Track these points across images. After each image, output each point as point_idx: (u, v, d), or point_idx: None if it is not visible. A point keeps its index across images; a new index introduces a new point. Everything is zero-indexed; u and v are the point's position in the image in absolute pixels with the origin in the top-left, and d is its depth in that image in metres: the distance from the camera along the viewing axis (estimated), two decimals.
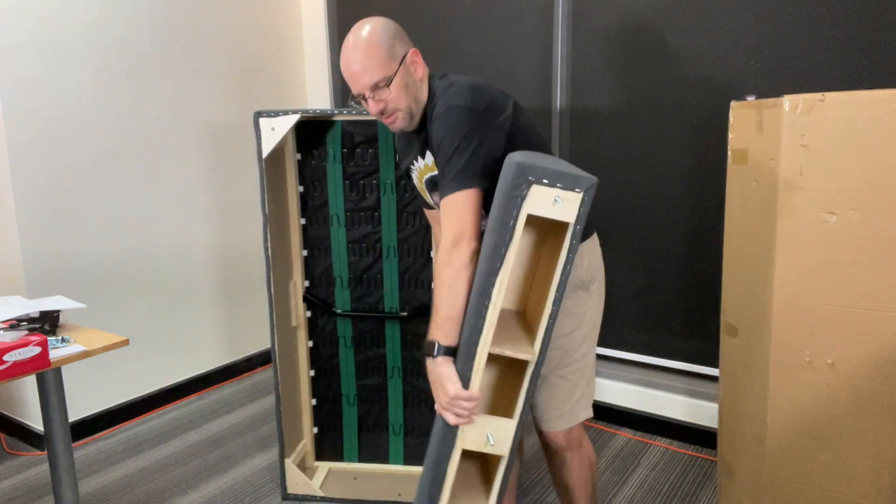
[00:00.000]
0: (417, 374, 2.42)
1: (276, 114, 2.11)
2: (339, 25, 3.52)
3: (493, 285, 1.39)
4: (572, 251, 1.39)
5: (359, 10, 3.40)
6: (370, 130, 2.28)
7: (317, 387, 2.48)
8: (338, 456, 2.52)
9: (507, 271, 1.38)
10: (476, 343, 1.41)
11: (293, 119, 2.11)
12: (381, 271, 2.37)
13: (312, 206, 2.37)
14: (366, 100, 1.55)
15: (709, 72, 2.48)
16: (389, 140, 2.28)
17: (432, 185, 1.67)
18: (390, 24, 1.54)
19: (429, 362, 1.48)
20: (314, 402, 2.49)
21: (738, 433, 1.93)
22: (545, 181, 1.33)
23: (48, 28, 2.62)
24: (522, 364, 1.47)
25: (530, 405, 1.69)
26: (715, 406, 2.62)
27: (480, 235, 1.48)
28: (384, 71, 1.50)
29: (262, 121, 2.12)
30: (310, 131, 2.31)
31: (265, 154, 2.13)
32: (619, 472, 2.51)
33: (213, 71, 3.23)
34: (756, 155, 1.75)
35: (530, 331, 1.52)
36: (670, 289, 2.70)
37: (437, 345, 1.45)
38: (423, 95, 1.58)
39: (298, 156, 2.34)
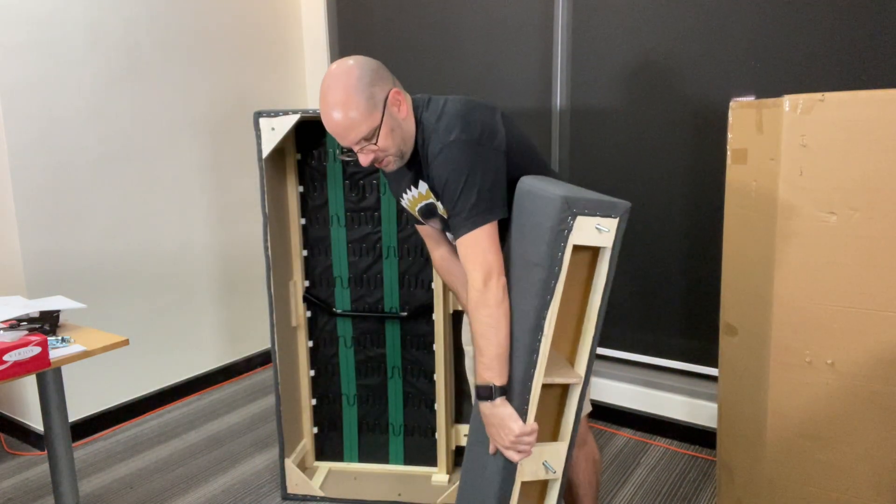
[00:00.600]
0: (417, 374, 2.42)
1: (276, 114, 2.11)
2: (339, 25, 3.52)
3: (544, 318, 1.38)
4: (611, 273, 1.40)
5: (359, 10, 3.40)
6: None
7: (317, 387, 2.48)
8: (338, 456, 2.52)
9: (556, 303, 1.38)
10: (531, 378, 1.41)
11: (293, 119, 2.11)
12: (381, 271, 2.37)
13: (312, 206, 2.36)
14: (354, 153, 1.53)
15: (709, 72, 2.48)
16: None
17: (427, 213, 1.65)
18: (365, 67, 1.46)
19: (485, 406, 1.43)
20: (314, 402, 2.49)
21: (737, 433, 1.93)
22: (587, 211, 1.34)
23: (48, 28, 2.62)
24: (567, 392, 1.49)
25: None
26: (715, 406, 2.62)
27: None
28: (368, 124, 1.45)
29: (262, 121, 2.12)
30: (310, 131, 2.31)
31: (265, 154, 2.13)
32: (619, 472, 2.51)
33: (212, 71, 3.23)
34: (756, 155, 1.75)
35: (560, 350, 1.51)
36: (670, 289, 2.70)
37: (493, 387, 1.41)
38: (411, 130, 1.53)
39: (298, 156, 2.34)
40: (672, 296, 2.70)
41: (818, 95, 1.54)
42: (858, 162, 1.52)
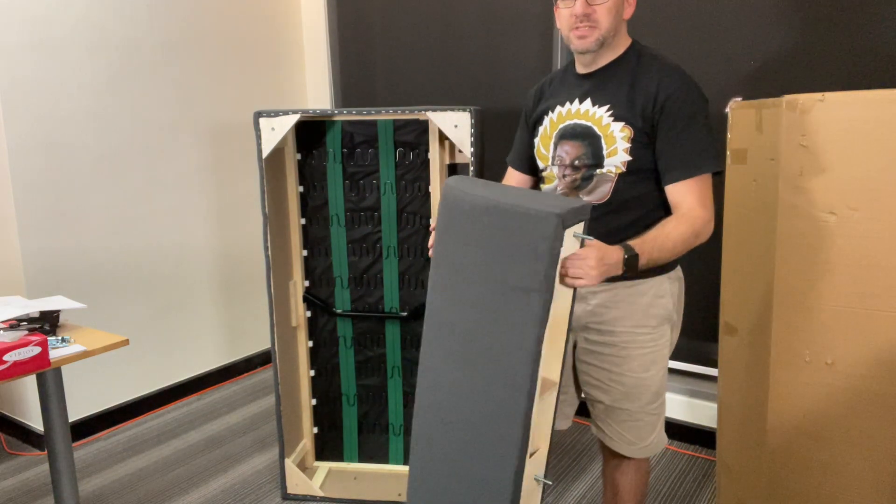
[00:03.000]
0: (417, 374, 2.42)
1: (276, 114, 2.11)
2: (339, 25, 3.52)
3: (542, 343, 1.29)
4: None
5: (359, 10, 3.40)
6: (370, 130, 2.28)
7: (317, 387, 2.48)
8: (338, 456, 2.52)
9: (548, 326, 1.29)
10: (532, 409, 1.31)
11: (293, 119, 2.11)
12: (381, 271, 2.37)
13: (312, 206, 2.36)
14: None
15: (709, 72, 2.48)
16: (389, 140, 2.28)
17: (570, 134, 1.57)
18: None
19: (616, 255, 1.35)
20: (314, 402, 2.49)
21: (737, 433, 1.93)
22: (571, 222, 1.26)
23: (48, 28, 2.62)
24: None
25: (609, 435, 1.68)
26: (715, 406, 2.61)
27: None
28: None
29: (262, 121, 2.12)
30: (310, 131, 2.31)
31: (265, 154, 2.13)
32: None
33: (213, 71, 3.23)
34: (755, 155, 1.75)
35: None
36: None
37: (637, 258, 1.38)
38: (622, 37, 1.55)
39: (298, 156, 2.34)
40: None
41: (818, 95, 1.54)
42: (858, 162, 1.52)
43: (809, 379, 1.64)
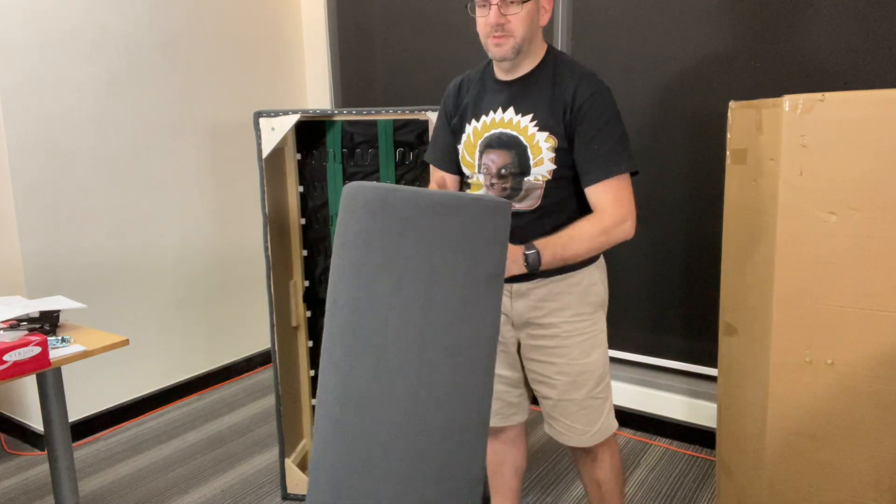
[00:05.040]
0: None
1: (276, 114, 2.12)
2: (339, 25, 3.52)
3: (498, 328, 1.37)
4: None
5: (359, 10, 3.40)
6: (370, 130, 2.28)
7: (317, 387, 2.48)
8: None
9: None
10: (489, 397, 1.35)
11: (293, 119, 2.11)
12: None
13: (312, 206, 2.36)
14: (488, 6, 1.52)
15: (709, 72, 2.48)
16: (389, 140, 2.28)
17: (495, 143, 1.60)
18: None
19: (517, 253, 1.46)
20: (314, 402, 2.48)
21: (737, 433, 1.93)
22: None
23: (48, 28, 2.62)
24: None
25: (560, 431, 1.72)
26: (715, 406, 2.62)
27: None
28: None
29: (262, 121, 2.12)
30: (310, 131, 2.31)
31: (265, 154, 2.13)
32: None
33: (212, 71, 3.23)
34: (755, 155, 1.75)
35: None
36: (670, 289, 2.70)
37: (538, 255, 1.47)
38: (538, 45, 1.58)
39: (298, 156, 2.34)
40: (672, 296, 2.70)
41: (818, 95, 1.54)
42: (858, 162, 1.52)
43: (810, 379, 1.64)
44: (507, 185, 1.61)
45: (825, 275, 1.59)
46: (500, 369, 1.77)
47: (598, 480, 1.78)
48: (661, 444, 2.71)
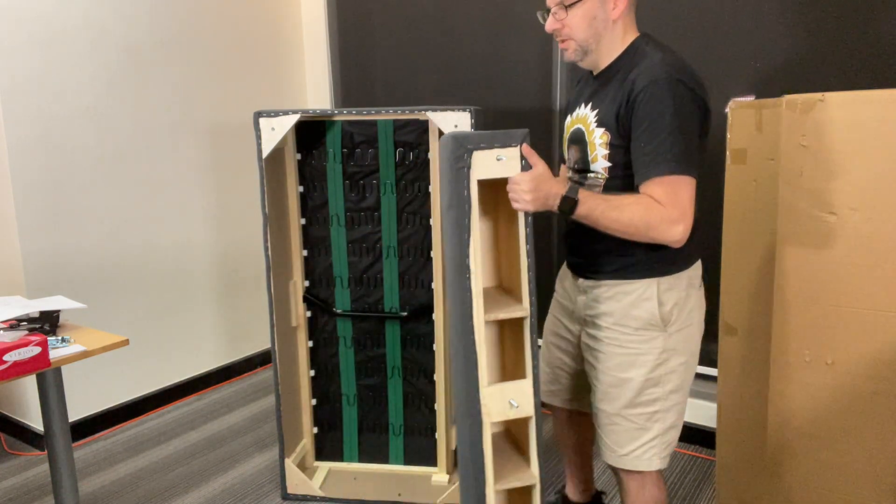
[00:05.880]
0: (417, 374, 2.42)
1: (276, 114, 2.11)
2: (339, 25, 3.52)
3: (468, 256, 1.45)
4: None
5: (359, 10, 3.40)
6: (370, 130, 2.28)
7: (317, 387, 2.48)
8: (338, 456, 2.52)
9: (476, 239, 1.45)
10: (470, 316, 1.47)
11: (293, 119, 2.11)
12: (381, 271, 2.37)
13: (312, 206, 2.36)
14: (547, 14, 1.49)
15: (709, 72, 2.48)
16: (389, 140, 2.28)
17: (573, 139, 1.59)
18: None
19: (555, 187, 1.42)
20: (314, 402, 2.49)
21: (737, 433, 1.93)
22: (483, 145, 1.41)
23: (48, 28, 2.62)
24: (521, 329, 1.53)
25: (598, 439, 1.68)
26: (715, 406, 2.61)
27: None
28: None
29: (262, 121, 2.12)
30: (310, 131, 2.31)
31: (265, 154, 2.13)
32: None
33: (213, 71, 3.23)
34: (755, 155, 1.75)
35: (515, 296, 1.56)
36: None
37: (576, 201, 1.40)
38: (613, 38, 1.50)
39: (298, 156, 2.34)
40: None
41: (818, 95, 1.54)
42: (858, 162, 1.52)
43: (809, 379, 1.64)
44: (577, 179, 1.60)
45: (825, 275, 1.59)
46: (562, 355, 1.78)
47: (623, 499, 1.67)
48: None
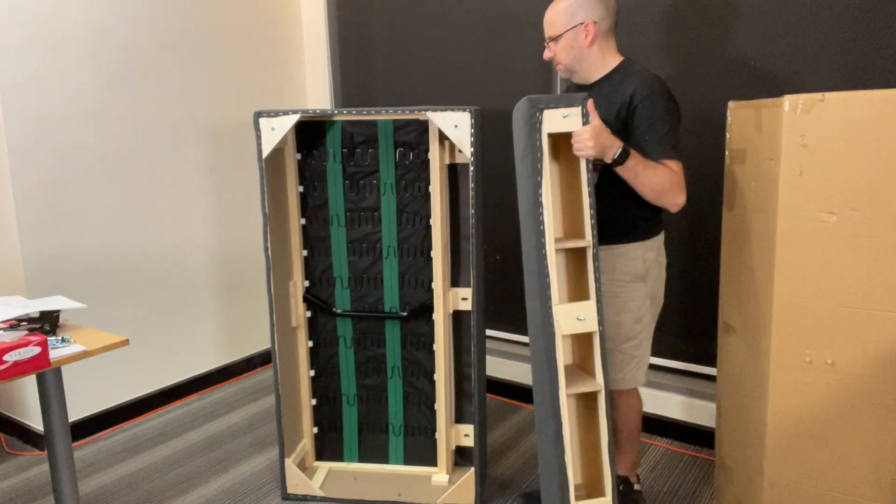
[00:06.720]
0: (417, 374, 2.42)
1: (276, 114, 2.12)
2: (339, 25, 3.52)
3: (540, 195, 1.77)
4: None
5: (359, 10, 3.40)
6: (370, 130, 2.28)
7: (317, 387, 2.48)
8: (338, 456, 2.52)
9: (546, 180, 1.77)
10: (543, 245, 1.77)
11: (293, 119, 2.11)
12: (381, 271, 2.37)
13: (312, 206, 2.37)
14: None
15: (709, 72, 2.48)
16: (389, 140, 2.28)
17: None
18: None
19: (612, 140, 1.77)
20: (314, 402, 2.49)
21: (737, 433, 1.93)
22: (552, 105, 1.76)
23: (48, 28, 2.62)
24: (584, 262, 1.84)
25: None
26: (714, 406, 2.61)
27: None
28: (556, 30, 1.95)
29: (262, 121, 2.12)
30: (310, 131, 2.31)
31: (265, 154, 2.13)
32: None
33: (213, 71, 3.23)
34: (755, 155, 1.75)
35: (578, 233, 1.86)
36: (670, 289, 2.70)
37: (626, 153, 1.78)
38: (593, 60, 1.96)
39: (298, 156, 2.34)
40: (672, 296, 2.70)
41: (818, 95, 1.54)
42: (858, 162, 1.52)
43: (809, 379, 1.64)
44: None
45: (825, 275, 1.59)
46: None
47: (616, 422, 2.15)
48: (661, 444, 2.71)
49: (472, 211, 2.14)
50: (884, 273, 1.53)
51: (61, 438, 1.81)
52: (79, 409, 2.83)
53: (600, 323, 1.80)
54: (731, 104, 1.93)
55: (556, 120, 1.76)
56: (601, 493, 1.84)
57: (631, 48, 2.62)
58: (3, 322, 1.76)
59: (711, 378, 2.70)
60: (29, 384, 2.75)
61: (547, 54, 2.01)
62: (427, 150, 2.26)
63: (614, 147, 1.77)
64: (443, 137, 2.20)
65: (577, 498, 1.83)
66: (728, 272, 1.98)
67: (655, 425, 2.77)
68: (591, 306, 1.79)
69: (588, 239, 1.79)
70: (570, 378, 1.85)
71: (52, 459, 1.83)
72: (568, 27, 1.93)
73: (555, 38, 1.96)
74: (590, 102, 1.78)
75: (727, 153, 1.95)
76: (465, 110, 2.05)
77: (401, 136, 2.27)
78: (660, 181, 1.81)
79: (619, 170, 1.80)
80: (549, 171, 1.77)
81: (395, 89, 3.35)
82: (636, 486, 2.22)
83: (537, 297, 1.81)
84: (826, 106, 1.54)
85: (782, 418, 1.69)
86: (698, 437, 2.68)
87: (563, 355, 1.78)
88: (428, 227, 2.31)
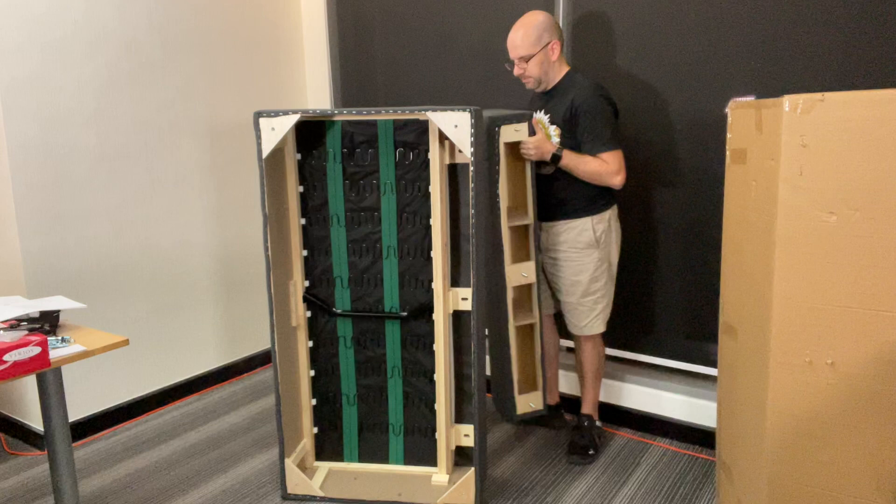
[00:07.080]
0: (417, 374, 2.42)
1: (276, 114, 2.12)
2: (339, 25, 3.52)
3: (497, 186, 2.38)
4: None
5: (359, 10, 3.40)
6: (370, 130, 2.28)
7: (317, 387, 2.48)
8: (338, 456, 2.52)
9: (503, 177, 2.39)
10: (499, 225, 2.40)
11: (293, 119, 2.11)
12: (381, 271, 2.37)
13: (312, 206, 2.37)
14: (513, 64, 2.44)
15: (709, 72, 2.48)
16: (389, 140, 2.28)
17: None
18: (547, 18, 2.39)
19: (549, 147, 2.37)
20: (314, 402, 2.49)
21: (736, 433, 1.93)
22: (507, 122, 2.35)
23: (48, 28, 2.62)
24: (528, 234, 2.50)
25: (566, 321, 2.60)
26: (715, 406, 2.62)
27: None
28: (529, 51, 2.38)
29: (262, 121, 2.12)
30: (310, 131, 2.31)
31: (265, 154, 2.13)
32: (619, 472, 2.51)
33: (213, 71, 3.23)
34: (755, 155, 1.75)
35: (523, 212, 2.47)
36: (670, 289, 2.70)
37: (559, 157, 2.37)
38: (556, 72, 2.44)
39: (298, 156, 2.34)
40: (672, 296, 2.70)
41: (818, 95, 1.54)
42: (858, 162, 1.52)
43: (810, 379, 1.64)
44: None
45: (825, 275, 1.59)
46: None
47: (581, 362, 2.62)
48: (661, 444, 2.71)
49: (472, 211, 2.14)
50: (884, 273, 1.53)
51: (61, 438, 1.81)
52: (79, 409, 2.83)
53: (539, 278, 2.49)
54: (731, 104, 1.93)
55: (510, 133, 2.36)
56: (535, 388, 2.61)
57: (631, 50, 2.62)
58: (3, 322, 1.76)
59: (712, 378, 2.70)
60: (29, 384, 2.76)
61: (517, 71, 2.43)
62: (427, 150, 2.26)
63: (550, 151, 2.36)
64: (443, 137, 2.20)
65: (520, 392, 2.58)
66: (729, 272, 1.98)
67: (655, 425, 2.77)
68: (531, 266, 2.48)
69: (531, 217, 2.44)
70: (516, 314, 2.53)
71: (52, 459, 1.83)
72: (539, 48, 2.37)
73: (526, 58, 2.38)
74: (533, 119, 2.43)
75: (728, 153, 1.94)
76: (465, 110, 2.05)
77: (401, 136, 2.27)
78: (591, 170, 2.34)
79: (560, 165, 2.37)
80: (505, 170, 2.40)
81: (395, 89, 3.36)
82: (598, 423, 2.67)
83: (493, 258, 2.45)
84: (826, 106, 1.54)
85: (782, 418, 1.69)
86: (698, 437, 2.68)
87: (511, 300, 2.47)
88: (428, 227, 2.31)
